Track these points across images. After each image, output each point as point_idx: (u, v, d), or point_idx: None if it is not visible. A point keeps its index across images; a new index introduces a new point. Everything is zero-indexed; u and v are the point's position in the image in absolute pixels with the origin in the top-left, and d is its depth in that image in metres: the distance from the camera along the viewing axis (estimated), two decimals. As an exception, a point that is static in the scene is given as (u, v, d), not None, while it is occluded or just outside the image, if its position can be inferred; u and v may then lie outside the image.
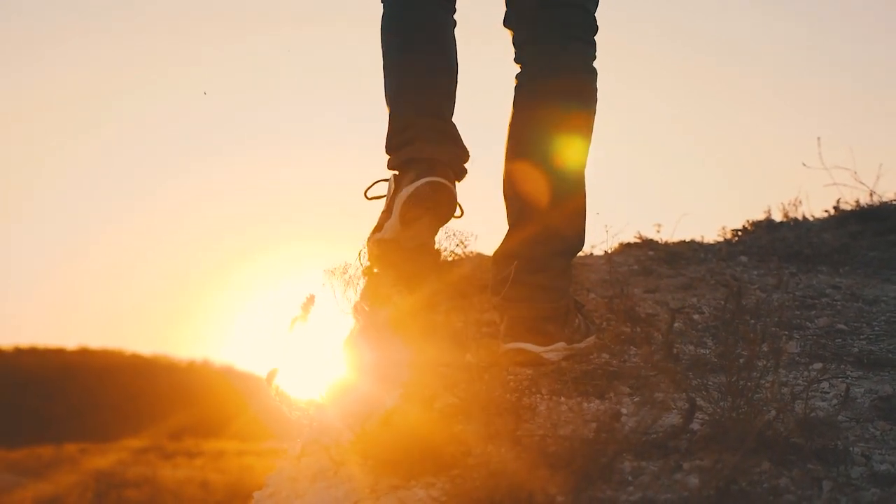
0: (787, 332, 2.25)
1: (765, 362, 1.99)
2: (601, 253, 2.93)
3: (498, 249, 2.27)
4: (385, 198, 2.38)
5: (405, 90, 2.35)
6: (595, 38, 2.26)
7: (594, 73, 2.25)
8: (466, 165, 2.36)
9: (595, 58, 2.26)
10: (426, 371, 2.08)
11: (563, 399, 1.89)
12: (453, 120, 2.37)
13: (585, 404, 1.87)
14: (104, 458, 18.33)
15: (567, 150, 2.23)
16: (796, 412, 1.73)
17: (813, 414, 1.74)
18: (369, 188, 2.41)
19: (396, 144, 2.32)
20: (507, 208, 2.29)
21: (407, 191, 2.23)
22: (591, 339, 2.29)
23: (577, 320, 2.28)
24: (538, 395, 1.91)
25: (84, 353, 42.35)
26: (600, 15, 2.29)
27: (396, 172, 2.32)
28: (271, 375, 1.62)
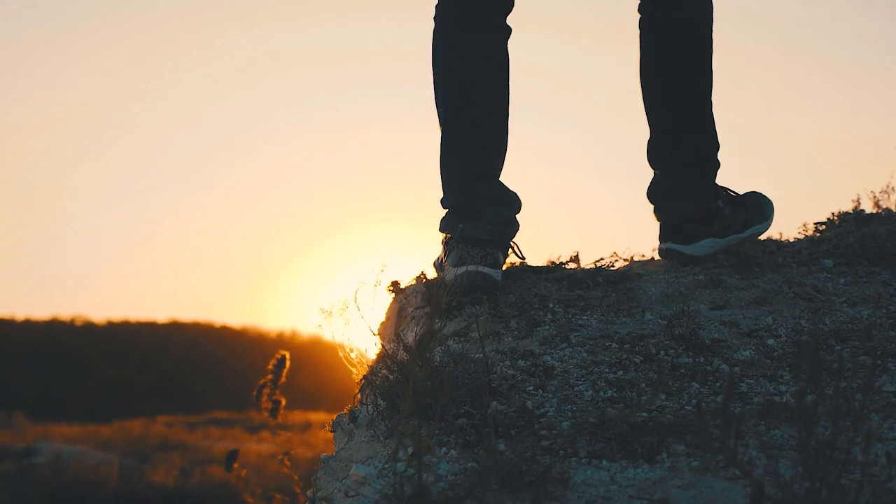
0: (879, 362, 1.88)
1: (853, 404, 1.65)
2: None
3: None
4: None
5: (450, 150, 2.37)
6: None
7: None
8: (519, 217, 2.39)
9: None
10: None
11: (604, 463, 1.57)
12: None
13: (631, 471, 1.54)
14: (192, 433, 18.55)
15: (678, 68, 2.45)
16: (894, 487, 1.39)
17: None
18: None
19: (445, 204, 2.39)
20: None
21: (448, 275, 2.25)
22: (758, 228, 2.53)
23: (729, 215, 2.50)
24: (574, 459, 1.59)
25: (175, 326, 43.12)
26: None
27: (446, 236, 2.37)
28: (231, 458, 1.36)
